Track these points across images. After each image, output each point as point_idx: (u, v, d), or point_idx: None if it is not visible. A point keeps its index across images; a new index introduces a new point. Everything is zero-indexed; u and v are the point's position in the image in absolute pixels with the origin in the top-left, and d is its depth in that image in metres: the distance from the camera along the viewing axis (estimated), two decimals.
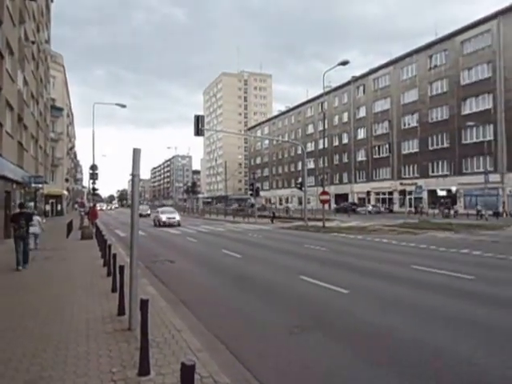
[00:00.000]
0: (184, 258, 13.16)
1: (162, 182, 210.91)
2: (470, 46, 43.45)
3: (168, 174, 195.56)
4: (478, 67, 42.35)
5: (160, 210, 33.57)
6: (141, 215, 43.08)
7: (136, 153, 5.28)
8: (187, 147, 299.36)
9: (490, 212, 36.26)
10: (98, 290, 7.77)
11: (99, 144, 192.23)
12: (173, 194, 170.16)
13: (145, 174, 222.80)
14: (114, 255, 8.12)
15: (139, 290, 5.48)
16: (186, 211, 61.54)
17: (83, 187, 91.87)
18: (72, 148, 75.18)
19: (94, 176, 26.77)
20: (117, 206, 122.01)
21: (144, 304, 4.09)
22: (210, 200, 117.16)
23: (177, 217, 30.63)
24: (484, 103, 41.72)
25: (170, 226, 28.80)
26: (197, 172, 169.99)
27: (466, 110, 43.43)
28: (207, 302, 7.47)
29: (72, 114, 76.25)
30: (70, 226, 21.10)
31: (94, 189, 27.51)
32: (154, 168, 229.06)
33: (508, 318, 6.05)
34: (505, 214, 35.81)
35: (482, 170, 39.58)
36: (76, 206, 56.16)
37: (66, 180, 56.78)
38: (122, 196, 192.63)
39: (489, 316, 6.20)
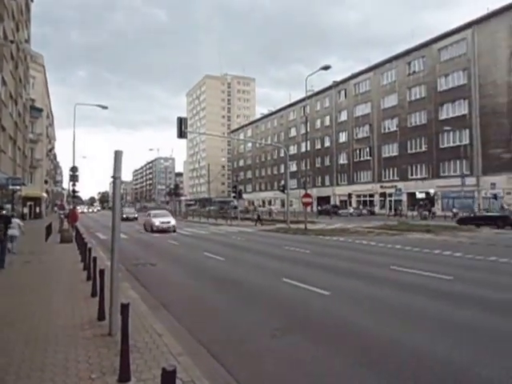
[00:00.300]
0: (166, 261, 13.05)
1: (144, 184, 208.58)
2: (447, 53, 44.72)
3: (150, 176, 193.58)
4: (454, 74, 43.61)
5: (152, 213, 29.12)
6: (127, 219, 41.97)
7: (117, 155, 5.23)
8: (170, 149, 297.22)
9: (466, 214, 37.21)
10: (77, 295, 7.63)
11: (80, 146, 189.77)
12: (155, 196, 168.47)
13: (126, 176, 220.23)
14: (95, 259, 8.00)
15: (120, 294, 5.43)
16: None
17: (63, 189, 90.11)
18: (52, 149, 73.67)
19: (74, 178, 26.32)
20: (99, 208, 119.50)
21: (125, 308, 4.06)
22: (192, 202, 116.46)
23: (172, 221, 26.52)
24: (460, 109, 42.92)
25: (165, 232, 24.96)
26: (179, 174, 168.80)
27: (443, 115, 44.59)
28: (189, 305, 7.44)
29: (52, 115, 74.78)
30: (48, 229, 20.64)
31: (74, 191, 27.05)
32: (136, 170, 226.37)
33: (484, 318, 6.22)
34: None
35: (458, 173, 40.65)
36: (55, 208, 54.95)
37: (46, 182, 55.61)
38: (104, 198, 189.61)
39: (465, 316, 6.36)
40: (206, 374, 4.18)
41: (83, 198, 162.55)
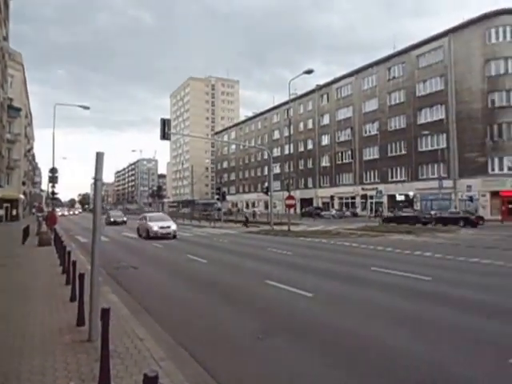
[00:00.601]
0: (148, 264, 12.90)
1: (126, 185, 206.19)
2: (425, 60, 45.92)
3: (133, 177, 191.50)
4: (432, 80, 44.79)
5: (148, 216, 24.63)
6: (115, 223, 38.78)
7: (99, 157, 5.14)
8: (153, 151, 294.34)
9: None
10: (55, 300, 7.45)
11: (60, 146, 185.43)
12: (137, 198, 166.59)
13: (108, 177, 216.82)
14: (74, 262, 7.82)
15: (100, 299, 5.33)
16: None
17: (42, 191, 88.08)
18: (30, 150, 71.98)
19: (53, 179, 25.76)
20: (80, 210, 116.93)
21: (105, 313, 3.98)
22: (176, 204, 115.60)
23: (172, 225, 22.81)
24: (437, 113, 44.06)
25: (164, 238, 21.36)
26: (163, 176, 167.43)
27: (422, 120, 45.68)
28: (172, 308, 7.35)
29: (31, 115, 73.11)
30: (26, 232, 20.13)
31: (53, 192, 26.48)
32: (118, 171, 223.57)
33: (461, 318, 6.35)
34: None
35: (436, 176, 41.64)
36: (34, 210, 53.62)
37: (23, 183, 54.26)
38: (84, 200, 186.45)
39: (444, 316, 6.48)
40: (189, 378, 4.13)
41: (63, 200, 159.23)
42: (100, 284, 5.78)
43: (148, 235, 22.01)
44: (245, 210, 66.97)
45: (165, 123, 23.27)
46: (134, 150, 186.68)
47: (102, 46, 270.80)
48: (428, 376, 4.26)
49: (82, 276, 6.24)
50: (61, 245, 12.56)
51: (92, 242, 5.15)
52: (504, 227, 29.75)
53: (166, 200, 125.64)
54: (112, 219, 39.77)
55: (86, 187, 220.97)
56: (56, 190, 26.41)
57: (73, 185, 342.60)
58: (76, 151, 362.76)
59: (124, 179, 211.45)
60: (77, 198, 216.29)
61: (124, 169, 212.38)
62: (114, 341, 4.83)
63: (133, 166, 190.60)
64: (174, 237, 22.11)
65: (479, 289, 8.62)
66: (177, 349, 5.17)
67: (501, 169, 38.95)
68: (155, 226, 22.08)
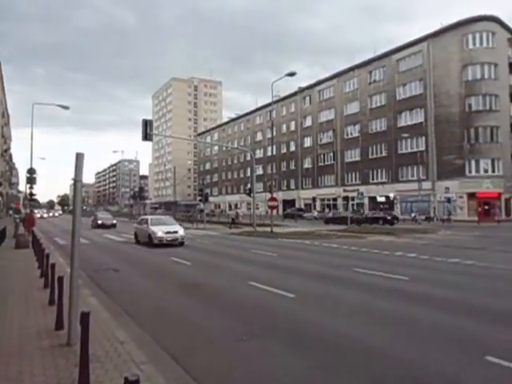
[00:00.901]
0: (130, 267, 12.73)
1: (107, 186, 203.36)
2: (405, 64, 46.83)
3: (114, 178, 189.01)
4: (412, 84, 45.74)
5: (149, 219, 20.95)
6: (103, 226, 34.91)
7: (79, 157, 5.07)
8: (135, 151, 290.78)
9: (423, 217, 39.00)
10: (33, 303, 7.29)
11: (38, 147, 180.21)
12: (119, 199, 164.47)
13: (89, 178, 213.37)
14: (53, 265, 7.68)
15: (80, 302, 5.25)
16: (133, 217, 59.65)
17: (19, 192, 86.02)
18: (7, 150, 70.22)
19: (31, 180, 25.14)
20: (61, 212, 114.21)
21: (85, 317, 3.91)
22: (157, 206, 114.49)
23: (180, 230, 19.31)
24: (417, 117, 45.01)
25: (170, 246, 18.23)
26: (144, 177, 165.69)
27: (402, 123, 46.57)
28: (154, 311, 7.28)
29: (8, 114, 71.39)
30: (2, 234, 19.63)
31: (31, 194, 25.84)
32: (99, 172, 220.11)
33: (438, 316, 6.49)
34: (435, 219, 38.54)
35: (415, 178, 42.48)
36: (10, 212, 52.25)
37: (0, 184, 52.87)
38: (63, 201, 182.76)
39: (422, 314, 6.62)
40: (171, 381, 4.11)
41: (41, 202, 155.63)
42: (79, 287, 5.69)
43: (151, 242, 18.53)
44: (229, 211, 66.79)
45: (147, 124, 23.08)
46: (115, 151, 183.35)
47: (83, 45, 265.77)
48: (408, 374, 4.34)
49: (60, 279, 6.14)
50: (39, 247, 12.29)
51: (71, 244, 5.07)
52: (480, 228, 30.56)
53: (147, 201, 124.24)
54: (100, 222, 35.70)
55: (66, 188, 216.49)
56: (34, 191, 25.78)
57: (52, 186, 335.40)
58: (55, 152, 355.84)
59: (105, 180, 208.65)
60: (56, 200, 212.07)
61: (105, 170, 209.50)
62: (93, 345, 4.75)
63: (114, 167, 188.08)
64: (182, 244, 18.80)
65: (455, 287, 8.82)
66: (158, 352, 5.12)
67: (477, 171, 40.02)
68: (159, 232, 18.53)
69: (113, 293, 8.71)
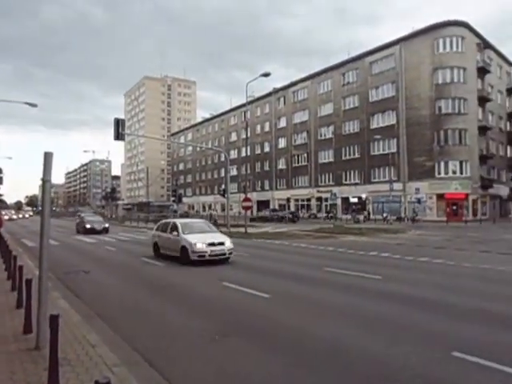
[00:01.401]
0: (101, 268, 12.48)
1: (77, 187, 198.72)
2: (377, 66, 47.79)
3: (85, 179, 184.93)
4: (384, 86, 46.72)
5: (179, 223, 15.06)
6: (93, 230, 28.45)
7: (47, 157, 4.95)
8: (106, 151, 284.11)
9: (394, 217, 39.99)
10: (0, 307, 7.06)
11: (4, 146, 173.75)
12: (90, 200, 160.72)
13: (59, 178, 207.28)
14: (20, 267, 7.45)
15: (49, 305, 5.12)
16: (105, 218, 58.43)
17: None
18: None
19: None
20: (31, 213, 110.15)
21: (54, 319, 3.84)
22: (130, 207, 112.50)
23: (227, 241, 13.74)
24: (389, 119, 46.03)
25: (212, 263, 12.93)
26: (117, 177, 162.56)
27: (374, 125, 47.51)
28: (126, 313, 7.18)
29: None
30: None
31: None
32: (69, 172, 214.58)
33: (408, 313, 6.71)
34: (406, 219, 39.59)
35: (387, 179, 43.41)
36: None
37: None
38: (32, 202, 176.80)
39: (393, 312, 6.81)
40: (143, 382, 4.08)
41: (8, 202, 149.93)
42: (49, 289, 5.54)
43: (186, 256, 13.11)
44: (203, 212, 66.41)
45: (119, 123, 22.62)
46: (86, 151, 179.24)
47: (51, 41, 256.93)
48: (377, 370, 4.47)
49: (29, 281, 5.98)
50: (6, 249, 11.88)
51: (40, 245, 4.95)
52: (448, 228, 31.62)
53: (120, 202, 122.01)
54: (88, 226, 29.05)
55: (34, 189, 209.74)
56: (1, 192, 24.86)
57: (19, 186, 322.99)
58: (23, 151, 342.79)
59: (75, 180, 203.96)
60: (24, 200, 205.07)
61: (75, 170, 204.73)
62: (64, 348, 4.67)
63: (85, 167, 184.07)
64: (228, 258, 13.59)
65: (425, 286, 9.12)
66: (130, 354, 5.07)
67: (446, 172, 41.32)
68: (200, 243, 13.08)
69: (84, 295, 8.53)
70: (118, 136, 22.67)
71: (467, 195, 40.65)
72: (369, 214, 44.00)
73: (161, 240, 15.29)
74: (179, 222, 15.70)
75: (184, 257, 13.26)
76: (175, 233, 14.14)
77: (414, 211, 39.82)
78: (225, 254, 13.33)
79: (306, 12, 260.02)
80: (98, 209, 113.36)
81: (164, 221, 17.97)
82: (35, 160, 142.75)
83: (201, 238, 13.39)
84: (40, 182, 5.08)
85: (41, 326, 4.75)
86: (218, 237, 14.10)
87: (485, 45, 45.32)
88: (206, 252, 13.01)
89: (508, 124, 52.30)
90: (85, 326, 5.94)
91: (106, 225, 30.44)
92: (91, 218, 32.88)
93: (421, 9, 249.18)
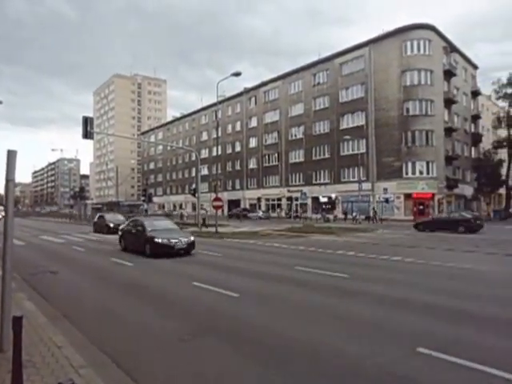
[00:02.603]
0: (69, 269, 12.17)
1: (45, 186, 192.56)
2: (347, 68, 48.65)
3: (53, 178, 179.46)
4: (354, 87, 47.62)
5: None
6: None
7: (11, 155, 4.84)
8: (75, 150, 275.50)
9: (363, 217, 40.91)
10: None
11: None
12: (58, 199, 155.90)
13: (25, 177, 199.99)
14: None
15: (14, 306, 5.01)
16: (73, 218, 56.85)
17: None
18: None
19: None
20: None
21: (17, 321, 3.75)
22: (99, 206, 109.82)
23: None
24: (358, 120, 46.98)
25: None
26: (85, 176, 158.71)
27: (344, 125, 48.38)
28: (94, 314, 7.07)
29: None
30: None
31: None
32: (36, 171, 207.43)
33: (376, 311, 6.94)
34: (374, 219, 40.60)
35: (356, 178, 44.28)
36: None
37: None
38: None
39: (361, 309, 7.03)
40: None
41: None
42: (13, 290, 5.40)
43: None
44: (174, 212, 65.63)
45: (87, 121, 22.09)
46: (53, 149, 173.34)
47: (17, 37, 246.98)
48: (348, 367, 4.62)
49: None
50: None
51: (3, 245, 4.82)
52: None
53: (88, 201, 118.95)
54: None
55: None
56: None
57: None
58: None
59: (43, 180, 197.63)
60: None
61: (43, 169, 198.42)
62: (29, 350, 4.59)
63: (52, 166, 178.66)
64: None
65: (393, 283, 9.44)
66: (98, 355, 5.02)
67: (413, 173, 42.60)
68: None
69: (51, 297, 8.32)
70: (87, 134, 22.15)
71: (433, 195, 42.00)
72: (345, 214, 44.47)
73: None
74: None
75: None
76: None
77: (375, 211, 40.94)
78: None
79: (275, 13, 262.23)
80: (67, 208, 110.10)
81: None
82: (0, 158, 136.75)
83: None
84: (3, 182, 4.95)
85: (4, 328, 4.64)
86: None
87: (451, 48, 46.89)
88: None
89: (473, 126, 54.29)
90: (51, 328, 5.83)
91: (191, 238, 24.59)
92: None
93: (391, 12, 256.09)
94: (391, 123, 43.47)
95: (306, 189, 50.20)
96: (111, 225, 27.10)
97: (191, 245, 15.30)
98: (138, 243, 15.59)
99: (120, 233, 17.77)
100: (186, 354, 5.08)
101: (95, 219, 31.26)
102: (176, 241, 14.78)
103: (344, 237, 23.19)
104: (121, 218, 30.25)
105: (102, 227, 28.05)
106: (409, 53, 43.34)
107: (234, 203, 62.81)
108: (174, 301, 7.96)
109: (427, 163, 42.44)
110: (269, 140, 59.33)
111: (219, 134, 42.83)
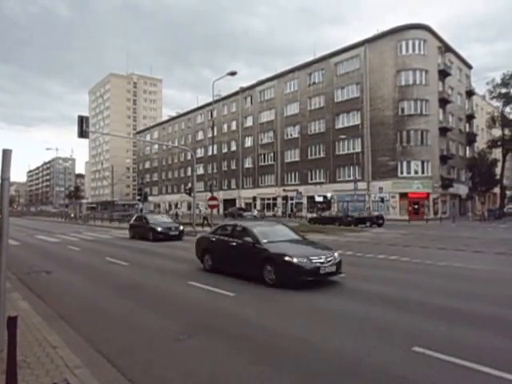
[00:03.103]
0: (64, 268, 12.11)
1: (40, 185, 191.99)
2: (343, 67, 48.79)
3: (48, 177, 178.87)
4: (349, 87, 47.76)
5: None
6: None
7: (6, 154, 4.80)
8: (70, 149, 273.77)
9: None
10: None
11: None
12: (53, 198, 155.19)
13: (20, 176, 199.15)
14: None
15: (8, 306, 4.99)
16: (68, 217, 56.59)
17: None
18: None
19: None
20: None
21: (12, 321, 3.74)
22: (94, 205, 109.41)
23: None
24: (354, 119, 47.13)
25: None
26: (81, 176, 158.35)
27: (339, 125, 48.50)
28: (89, 314, 7.03)
29: None
30: None
31: None
32: (32, 170, 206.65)
33: (370, 309, 6.96)
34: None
35: (351, 178, 44.42)
36: None
37: None
38: None
39: (355, 309, 7.05)
40: None
41: None
42: (8, 290, 5.37)
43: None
44: (170, 211, 65.51)
45: (82, 120, 22.00)
46: (48, 148, 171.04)
47: (12, 36, 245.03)
48: (344, 366, 4.62)
49: None
50: None
51: None
52: (410, 226, 32.76)
53: (84, 201, 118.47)
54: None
55: None
56: None
57: None
58: None
59: (38, 179, 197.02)
60: None
61: (38, 168, 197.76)
62: (23, 350, 4.57)
63: (48, 165, 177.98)
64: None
65: (389, 283, 9.48)
66: (93, 355, 4.99)
67: (408, 172, 42.81)
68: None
69: (46, 296, 8.27)
70: (82, 133, 22.08)
71: (428, 194, 42.22)
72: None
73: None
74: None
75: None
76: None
77: (361, 211, 40.82)
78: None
79: (271, 12, 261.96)
80: (62, 207, 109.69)
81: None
82: None
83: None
84: None
85: None
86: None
87: (446, 48, 47.21)
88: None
89: (467, 125, 54.73)
90: (46, 328, 5.80)
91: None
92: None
93: (386, 12, 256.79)
94: (386, 123, 43.61)
95: (301, 188, 50.42)
96: (159, 229, 21.37)
97: None
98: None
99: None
100: (182, 353, 5.04)
101: (132, 221, 25.02)
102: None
103: (339, 236, 23.21)
104: (167, 219, 24.90)
105: (144, 232, 22.02)
106: (404, 53, 43.52)
107: (229, 202, 62.84)
108: (170, 300, 7.92)
109: (422, 163, 42.64)
110: (264, 139, 59.36)
111: (215, 133, 42.81)
